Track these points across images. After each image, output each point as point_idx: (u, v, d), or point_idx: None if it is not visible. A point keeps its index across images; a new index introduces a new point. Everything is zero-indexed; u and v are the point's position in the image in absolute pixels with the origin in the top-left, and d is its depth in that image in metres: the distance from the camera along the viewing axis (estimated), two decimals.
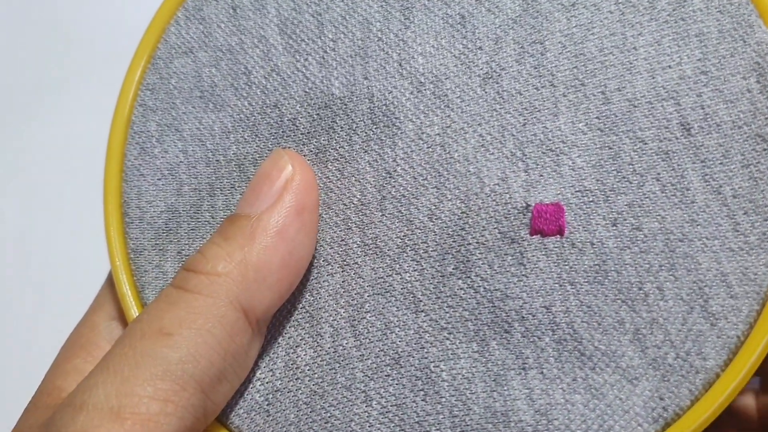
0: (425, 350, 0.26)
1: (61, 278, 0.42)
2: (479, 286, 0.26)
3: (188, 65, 0.31)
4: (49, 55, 0.45)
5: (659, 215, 0.26)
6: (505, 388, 0.25)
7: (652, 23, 0.27)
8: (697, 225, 0.25)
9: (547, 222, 0.26)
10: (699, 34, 0.26)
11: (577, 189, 0.26)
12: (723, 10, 0.26)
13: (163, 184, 0.30)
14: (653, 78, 0.26)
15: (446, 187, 0.27)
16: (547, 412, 0.25)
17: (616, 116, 0.26)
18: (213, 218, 0.29)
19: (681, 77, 0.26)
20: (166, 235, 0.30)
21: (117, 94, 0.32)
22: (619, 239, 0.26)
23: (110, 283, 0.31)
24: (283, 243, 0.26)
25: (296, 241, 0.27)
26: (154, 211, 0.30)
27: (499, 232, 0.26)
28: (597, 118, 0.27)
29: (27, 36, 0.46)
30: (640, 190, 0.26)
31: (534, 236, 0.26)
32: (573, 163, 0.26)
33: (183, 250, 0.30)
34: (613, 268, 0.25)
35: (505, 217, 0.26)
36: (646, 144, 0.26)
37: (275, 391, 0.27)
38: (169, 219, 0.30)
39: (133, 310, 0.29)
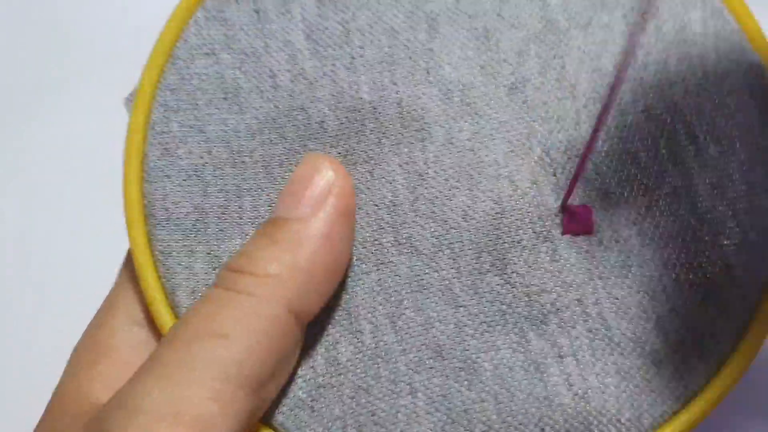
0: (466, 343, 0.28)
1: (62, 279, 0.41)
2: (516, 282, 0.28)
3: (210, 66, 0.31)
4: (49, 55, 0.43)
5: (673, 216, 0.29)
6: (545, 374, 0.28)
7: (658, 44, 0.30)
8: (705, 224, 0.28)
9: (578, 223, 0.29)
10: (699, 55, 0.30)
11: (601, 192, 0.29)
12: (718, 35, 0.30)
13: (188, 185, 0.30)
14: (662, 92, 0.29)
15: (479, 188, 0.29)
16: (584, 394, 0.27)
17: (632, 126, 0.29)
18: (241, 219, 0.30)
19: (686, 92, 0.29)
20: (195, 236, 0.30)
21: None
22: (640, 237, 0.29)
23: (125, 283, 0.31)
24: (329, 246, 0.27)
25: (339, 244, 0.28)
26: (180, 212, 0.30)
27: (534, 232, 0.29)
28: (615, 127, 0.29)
29: (27, 36, 0.44)
30: (656, 193, 0.29)
31: (566, 235, 0.29)
32: (597, 168, 0.29)
33: (212, 251, 0.30)
34: (636, 263, 0.28)
35: (539, 218, 0.29)
36: (659, 152, 0.29)
37: (318, 387, 0.28)
38: (197, 220, 0.30)
39: (164, 313, 0.29)
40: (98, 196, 0.32)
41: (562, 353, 0.28)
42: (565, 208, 0.29)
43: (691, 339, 0.28)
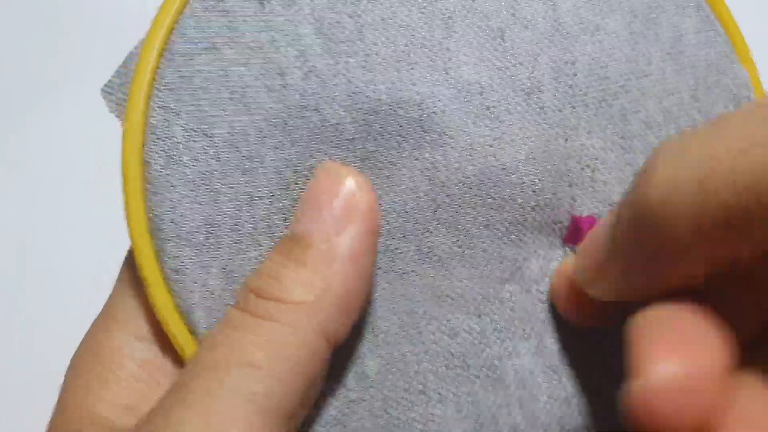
0: (489, 350, 0.29)
1: (59, 281, 0.38)
2: (533, 290, 0.30)
3: (213, 63, 0.28)
4: (46, 55, 0.38)
5: None
6: (564, 377, 0.30)
7: (658, 53, 0.31)
8: None
9: (580, 233, 0.30)
10: (692, 65, 0.31)
11: (608, 202, 0.30)
12: (709, 44, 0.31)
13: (197, 195, 0.28)
14: (661, 102, 0.31)
15: (500, 197, 0.29)
16: (599, 393, 0.30)
17: (634, 136, 0.31)
18: (255, 230, 0.28)
19: (680, 102, 0.31)
20: (207, 251, 0.28)
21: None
22: None
23: (127, 295, 0.29)
24: (358, 268, 0.27)
25: (367, 264, 0.27)
26: (191, 226, 0.28)
27: (548, 241, 0.30)
28: (620, 137, 0.30)
29: (25, 35, 0.38)
30: None
31: (576, 245, 0.30)
32: (604, 178, 0.30)
33: (227, 265, 0.28)
34: None
35: (553, 230, 0.30)
36: None
37: (349, 402, 0.29)
38: (209, 233, 0.28)
39: (182, 335, 0.28)
40: (99, 197, 0.30)
41: (577, 356, 0.30)
42: (571, 219, 0.30)
43: None
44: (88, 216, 0.33)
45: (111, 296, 0.30)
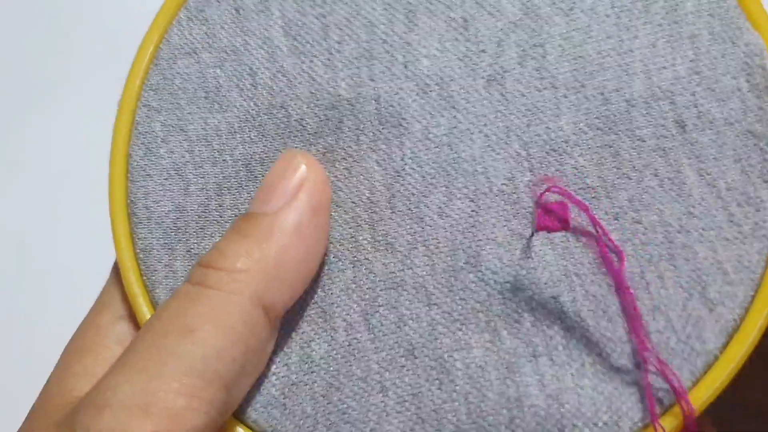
0: (439, 341, 0.27)
1: (61, 278, 0.42)
2: (490, 279, 0.27)
3: (192, 66, 0.31)
4: (45, 56, 0.44)
5: (658, 209, 0.27)
6: (518, 375, 0.27)
7: (647, 26, 0.29)
8: (694, 217, 0.27)
9: (552, 219, 0.27)
10: (691, 36, 0.28)
11: (580, 186, 0.28)
12: (713, 14, 0.28)
13: (170, 184, 0.30)
14: (649, 79, 0.28)
15: (455, 186, 0.28)
16: (558, 396, 0.26)
17: (615, 116, 0.28)
18: (221, 217, 0.30)
19: (675, 77, 0.28)
20: (175, 234, 0.30)
21: (118, 93, 0.32)
22: (620, 232, 0.27)
23: (113, 283, 0.31)
24: (300, 241, 0.27)
25: (312, 239, 0.27)
26: (161, 211, 0.30)
27: (509, 230, 0.28)
28: (597, 118, 0.28)
29: (26, 34, 0.46)
30: (639, 186, 0.27)
31: (540, 232, 0.27)
32: (575, 162, 0.28)
33: (192, 248, 0.30)
34: (615, 260, 0.27)
35: (514, 216, 0.28)
36: (644, 142, 0.28)
37: (291, 384, 0.28)
38: (177, 218, 0.30)
39: (144, 310, 0.30)
40: (98, 196, 0.33)
41: (536, 353, 0.27)
42: (538, 204, 0.27)
43: (676, 339, 0.26)
44: (88, 216, 0.35)
45: (103, 288, 0.32)
